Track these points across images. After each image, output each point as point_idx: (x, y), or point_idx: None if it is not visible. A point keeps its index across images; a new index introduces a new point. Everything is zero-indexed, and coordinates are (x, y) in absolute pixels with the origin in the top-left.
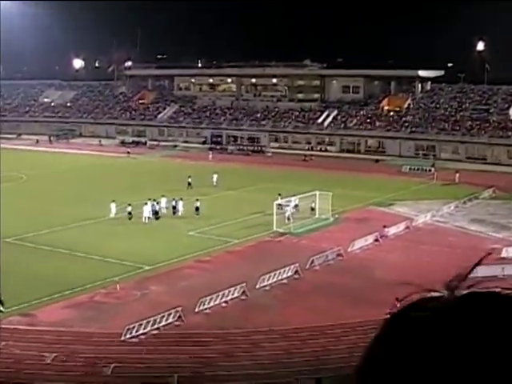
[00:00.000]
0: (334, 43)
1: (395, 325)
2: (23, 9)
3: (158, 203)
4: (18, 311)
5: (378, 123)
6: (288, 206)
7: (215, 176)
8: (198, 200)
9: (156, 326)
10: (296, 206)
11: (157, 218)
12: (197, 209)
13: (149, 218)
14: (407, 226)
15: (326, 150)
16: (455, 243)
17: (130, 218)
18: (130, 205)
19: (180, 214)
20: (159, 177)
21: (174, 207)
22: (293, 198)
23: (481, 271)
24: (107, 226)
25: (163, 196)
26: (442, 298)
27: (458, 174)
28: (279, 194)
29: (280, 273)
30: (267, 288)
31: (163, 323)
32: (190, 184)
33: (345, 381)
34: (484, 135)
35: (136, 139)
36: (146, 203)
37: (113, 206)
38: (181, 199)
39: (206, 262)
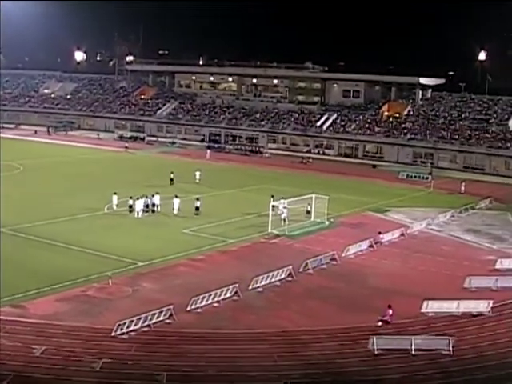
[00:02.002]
0: (336, 47)
1: None
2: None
3: (152, 196)
4: (9, 302)
5: (377, 129)
6: (285, 207)
7: (198, 173)
8: (198, 199)
9: (147, 323)
10: (285, 207)
11: (152, 211)
12: (197, 208)
13: (142, 211)
14: (402, 233)
15: (324, 154)
16: (449, 252)
17: (130, 211)
18: (131, 198)
19: (176, 212)
20: (155, 172)
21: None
22: (282, 201)
23: (475, 282)
24: (102, 219)
25: (157, 193)
26: None
27: (463, 184)
28: (272, 196)
29: (273, 275)
30: (260, 289)
31: (154, 321)
32: (172, 180)
33: None
34: (483, 145)
35: (134, 134)
36: (137, 198)
37: (114, 198)
38: (176, 196)
39: (199, 260)
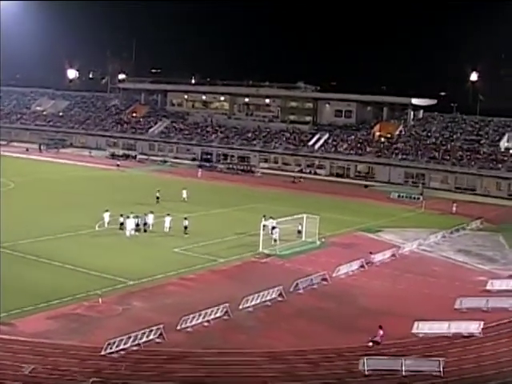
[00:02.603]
0: (328, 67)
1: None
2: (19, 17)
3: (145, 215)
4: None
5: (368, 149)
6: (273, 227)
7: (184, 192)
8: (186, 218)
9: (137, 342)
10: (274, 228)
11: (144, 230)
12: (185, 227)
13: (133, 230)
14: (393, 253)
15: (316, 173)
16: (440, 273)
17: (121, 229)
18: (122, 215)
19: (167, 230)
20: (147, 190)
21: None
22: (271, 220)
23: (466, 303)
24: (93, 237)
25: (152, 212)
26: None
27: (455, 204)
28: (264, 216)
29: (264, 294)
30: (250, 309)
31: (144, 339)
32: (158, 198)
33: None
34: (474, 166)
35: (126, 152)
36: (128, 217)
37: (106, 215)
38: (168, 215)
39: (189, 279)
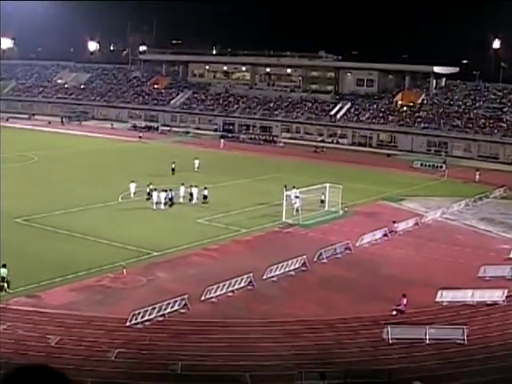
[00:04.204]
0: (350, 36)
1: None
2: None
3: (168, 191)
4: (24, 292)
5: (390, 118)
6: (296, 197)
7: (197, 162)
8: (206, 188)
9: (161, 313)
10: (297, 197)
11: (170, 205)
12: (205, 197)
13: (161, 204)
14: (416, 222)
15: (338, 143)
16: (464, 241)
17: (148, 199)
18: (150, 184)
19: (194, 201)
20: (167, 162)
21: (191, 194)
22: (294, 190)
23: (489, 271)
24: (117, 209)
25: (182, 184)
26: None
27: (478, 173)
28: (285, 186)
29: (287, 264)
30: (274, 279)
31: (169, 310)
32: (173, 170)
33: (349, 375)
34: (497, 134)
35: (148, 124)
36: (155, 189)
37: (132, 186)
38: (195, 186)
39: (213, 250)
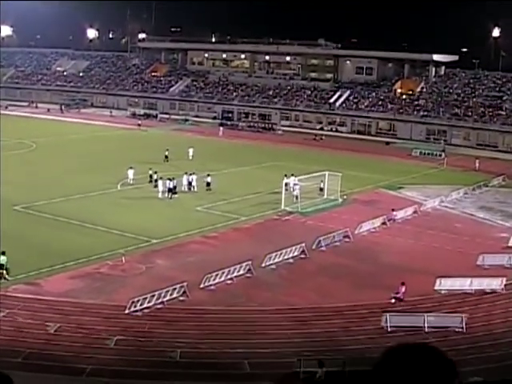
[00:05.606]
0: (349, 23)
1: None
2: None
3: (173, 179)
4: (23, 280)
5: (390, 106)
6: (295, 184)
7: (191, 150)
8: (208, 175)
9: (160, 301)
10: (295, 184)
11: (173, 193)
12: (208, 184)
13: (166, 192)
14: (415, 210)
15: (337, 131)
16: (462, 230)
17: (150, 181)
18: (150, 169)
19: (196, 188)
20: (170, 150)
21: (190, 183)
22: (293, 178)
23: (488, 260)
24: (115, 197)
25: (194, 173)
26: None
27: (478, 161)
28: (285, 175)
29: (286, 252)
30: (273, 267)
31: (168, 298)
32: (166, 157)
33: (347, 363)
34: (496, 122)
35: (147, 112)
36: (161, 177)
37: (130, 172)
38: (193, 173)
39: (212, 237)
